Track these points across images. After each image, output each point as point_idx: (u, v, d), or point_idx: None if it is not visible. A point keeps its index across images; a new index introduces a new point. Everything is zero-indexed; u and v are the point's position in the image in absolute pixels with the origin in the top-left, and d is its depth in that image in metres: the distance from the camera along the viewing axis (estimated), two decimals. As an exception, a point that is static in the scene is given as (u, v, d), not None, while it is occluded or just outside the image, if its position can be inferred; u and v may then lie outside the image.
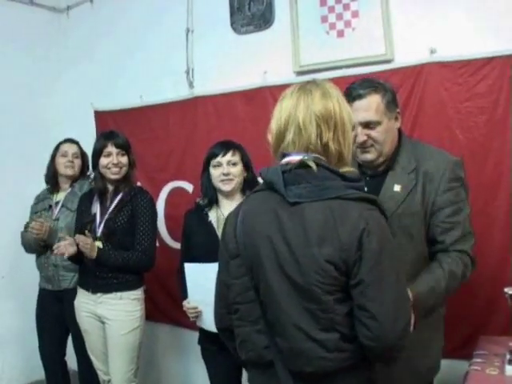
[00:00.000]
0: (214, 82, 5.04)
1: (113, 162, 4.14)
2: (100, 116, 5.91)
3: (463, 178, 2.93)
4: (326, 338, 2.05)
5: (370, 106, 2.83)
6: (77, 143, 5.00)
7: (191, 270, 3.58)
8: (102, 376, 4.36)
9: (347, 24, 4.36)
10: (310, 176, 2.11)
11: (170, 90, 5.34)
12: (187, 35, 5.25)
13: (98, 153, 4.20)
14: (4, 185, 5.77)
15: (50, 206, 4.93)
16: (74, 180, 4.95)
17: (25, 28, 6.05)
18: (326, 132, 2.14)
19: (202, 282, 3.31)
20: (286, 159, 2.17)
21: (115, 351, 4.15)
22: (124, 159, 4.19)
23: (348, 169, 2.21)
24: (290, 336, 2.09)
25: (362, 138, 2.83)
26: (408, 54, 4.06)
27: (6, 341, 5.88)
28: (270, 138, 2.28)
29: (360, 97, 2.83)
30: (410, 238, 2.79)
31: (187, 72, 5.25)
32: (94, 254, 4.01)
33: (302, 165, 2.11)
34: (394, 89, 3.01)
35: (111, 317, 4.12)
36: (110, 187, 4.26)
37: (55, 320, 4.82)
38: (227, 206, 3.64)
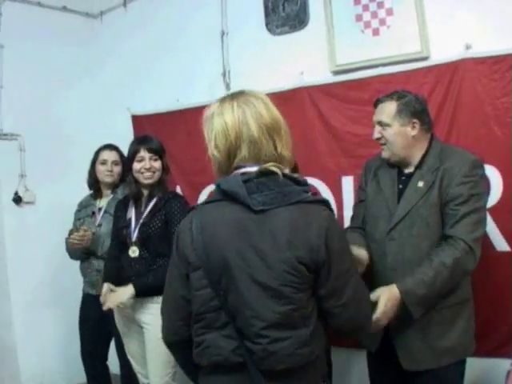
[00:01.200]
0: (250, 83, 4.90)
1: (145, 166, 4.21)
2: (137, 120, 6.04)
3: (480, 176, 3.20)
4: (297, 335, 2.22)
5: (384, 109, 3.35)
6: (116, 149, 5.14)
7: None
8: (141, 379, 4.46)
9: (382, 22, 4.46)
10: (272, 183, 2.26)
11: (206, 92, 5.40)
12: (222, 37, 5.41)
13: (131, 158, 4.29)
14: (44, 193, 6.01)
15: (93, 213, 5.06)
16: (115, 185, 5.08)
17: (58, 33, 6.24)
18: (279, 142, 2.31)
19: None
20: (241, 170, 2.30)
21: (153, 355, 4.20)
22: (157, 164, 4.26)
23: (297, 174, 2.44)
24: (262, 338, 2.21)
25: (376, 134, 3.38)
26: (444, 50, 4.15)
27: (47, 346, 6.07)
28: (217, 153, 2.36)
29: (380, 101, 3.41)
30: (427, 226, 3.17)
31: (223, 74, 5.41)
32: (131, 293, 4.09)
33: (263, 173, 2.26)
34: (420, 102, 3.35)
35: (149, 321, 4.16)
36: (145, 192, 4.33)
37: (98, 324, 4.94)
38: None
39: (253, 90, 2.43)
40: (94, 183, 5.09)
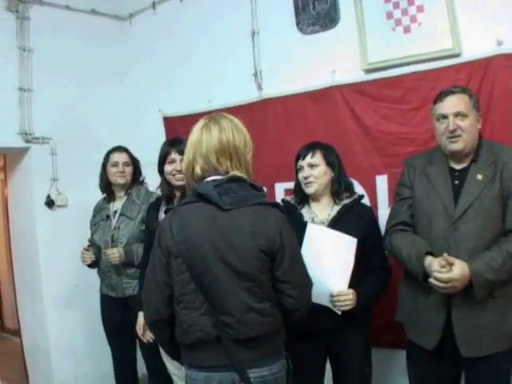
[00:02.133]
0: (282, 83, 5.26)
1: (176, 168, 4.30)
2: (169, 121, 6.20)
3: None
4: (262, 307, 2.94)
5: (461, 100, 3.50)
6: (126, 150, 5.31)
7: (314, 231, 3.72)
8: (177, 381, 4.50)
9: (413, 19, 4.52)
10: (237, 188, 2.99)
11: (238, 93, 5.57)
12: (253, 37, 5.52)
13: (162, 160, 4.39)
14: (76, 196, 6.22)
15: (108, 216, 5.24)
16: (128, 187, 5.27)
17: (87, 36, 6.42)
18: (225, 160, 3.03)
19: (320, 248, 3.62)
20: (210, 178, 3.03)
21: None
22: None
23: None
24: (235, 311, 2.90)
25: (452, 126, 3.46)
26: (475, 47, 4.22)
27: (80, 347, 6.27)
28: (184, 163, 3.19)
29: (452, 93, 3.53)
30: (490, 216, 3.41)
31: (255, 74, 5.52)
32: None
33: (231, 180, 2.99)
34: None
35: None
36: (177, 193, 4.41)
37: (122, 324, 5.11)
38: (317, 210, 3.97)
39: (224, 117, 3.18)
40: (106, 186, 5.26)
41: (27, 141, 5.96)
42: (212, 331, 2.93)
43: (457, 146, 3.48)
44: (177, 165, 4.29)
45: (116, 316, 5.17)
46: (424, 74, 4.45)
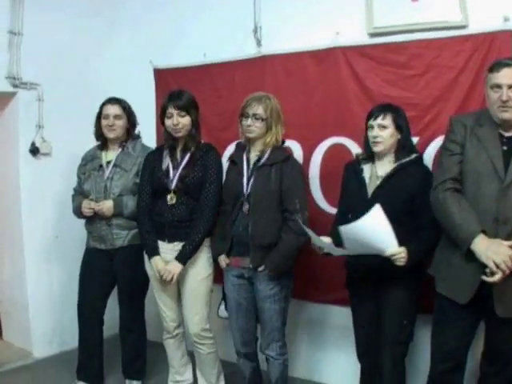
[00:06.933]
0: (283, 41, 5.44)
1: (173, 123, 4.69)
2: (160, 74, 6.37)
3: None
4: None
5: None
6: (119, 102, 5.37)
7: (345, 231, 4.00)
8: (168, 323, 5.10)
9: None
10: None
11: (236, 48, 5.76)
12: None
13: (162, 114, 4.82)
14: (61, 145, 6.38)
15: (101, 166, 5.36)
16: (122, 140, 5.41)
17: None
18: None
19: (359, 239, 3.98)
20: None
21: (191, 296, 4.87)
22: (184, 120, 4.74)
23: None
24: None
25: (505, 97, 3.71)
26: (482, 20, 4.48)
27: (58, 302, 6.48)
28: None
29: (509, 65, 3.72)
30: None
31: (255, 30, 5.72)
32: (181, 267, 4.78)
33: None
34: None
35: (187, 263, 4.77)
36: (180, 144, 4.87)
37: (102, 276, 5.34)
38: (379, 166, 4.37)
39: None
40: (101, 137, 5.41)
41: (14, 85, 6.08)
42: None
43: (507, 115, 3.75)
44: (173, 119, 4.68)
45: (99, 264, 5.35)
46: (429, 43, 4.70)
